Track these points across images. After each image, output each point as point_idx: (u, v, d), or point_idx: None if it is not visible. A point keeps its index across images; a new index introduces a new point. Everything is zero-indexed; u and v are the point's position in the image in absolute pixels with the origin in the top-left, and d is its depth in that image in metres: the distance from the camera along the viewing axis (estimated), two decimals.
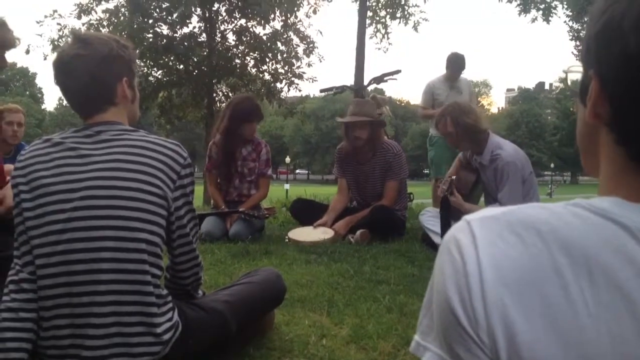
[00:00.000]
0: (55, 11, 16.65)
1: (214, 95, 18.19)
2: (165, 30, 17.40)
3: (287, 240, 4.71)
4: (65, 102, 1.96)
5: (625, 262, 0.58)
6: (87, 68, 1.73)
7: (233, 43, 18.34)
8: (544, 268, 0.59)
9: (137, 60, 1.97)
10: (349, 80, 10.59)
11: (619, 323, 0.56)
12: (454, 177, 4.20)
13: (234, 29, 18.09)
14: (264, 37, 17.87)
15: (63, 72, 1.77)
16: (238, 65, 18.17)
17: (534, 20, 16.98)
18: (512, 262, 0.61)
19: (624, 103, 0.62)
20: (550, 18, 15.89)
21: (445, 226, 3.90)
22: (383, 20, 15.92)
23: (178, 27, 17.40)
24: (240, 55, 18.42)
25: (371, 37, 15.98)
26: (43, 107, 76.61)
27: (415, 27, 15.94)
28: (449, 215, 3.92)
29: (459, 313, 0.62)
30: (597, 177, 0.74)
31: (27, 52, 16.42)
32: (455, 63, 6.49)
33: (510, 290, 0.60)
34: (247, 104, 4.96)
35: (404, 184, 5.13)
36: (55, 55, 1.81)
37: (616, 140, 0.65)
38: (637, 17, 0.59)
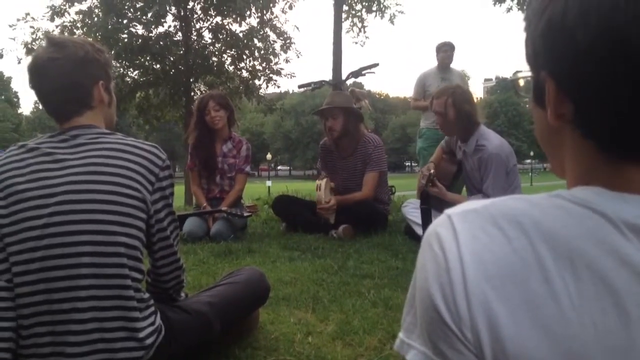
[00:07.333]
0: (27, 14, 16.54)
1: (192, 94, 18.14)
2: (140, 30, 17.34)
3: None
4: (41, 106, 1.92)
5: (608, 253, 0.57)
6: (63, 71, 1.70)
7: (209, 41, 18.31)
8: (527, 261, 0.59)
9: (112, 62, 1.95)
10: (328, 76, 10.58)
11: (604, 315, 0.56)
12: (432, 171, 4.21)
13: (210, 26, 18.06)
14: (241, 34, 17.87)
15: (38, 75, 1.73)
16: (215, 63, 18.15)
17: (509, 9, 17.14)
18: (494, 256, 0.60)
19: (585, 98, 0.61)
20: (525, 7, 16.07)
21: (426, 220, 3.91)
22: (359, 13, 15.99)
23: (153, 26, 17.32)
24: (217, 53, 18.39)
25: (348, 31, 16.08)
26: (19, 111, 76.11)
27: (391, 20, 16.03)
28: (430, 209, 3.92)
29: (442, 309, 0.61)
30: (563, 177, 0.73)
31: (1, 56, 16.36)
32: (442, 49, 6.53)
33: (492, 285, 0.59)
34: (203, 95, 5.11)
35: (384, 177, 5.12)
36: (29, 59, 1.78)
37: (584, 135, 0.64)
38: (579, 13, 0.58)
